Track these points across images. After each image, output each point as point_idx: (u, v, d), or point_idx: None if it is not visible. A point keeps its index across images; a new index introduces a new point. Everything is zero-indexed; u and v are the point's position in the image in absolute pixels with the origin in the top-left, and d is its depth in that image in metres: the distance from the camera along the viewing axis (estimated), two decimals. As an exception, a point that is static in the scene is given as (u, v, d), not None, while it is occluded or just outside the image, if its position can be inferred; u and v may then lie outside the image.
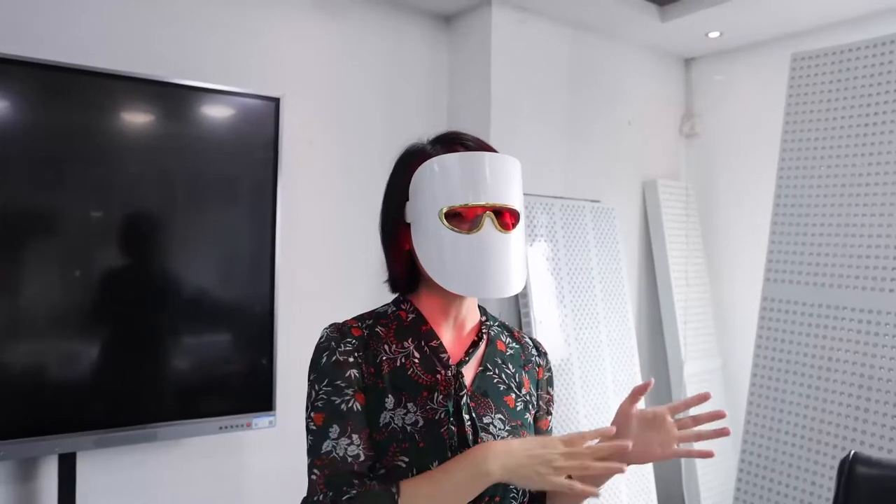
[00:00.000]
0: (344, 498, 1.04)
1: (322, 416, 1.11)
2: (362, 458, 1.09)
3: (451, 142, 1.19)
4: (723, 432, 1.14)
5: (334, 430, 1.10)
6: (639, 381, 3.32)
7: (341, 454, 1.08)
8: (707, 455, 1.14)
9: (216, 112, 2.36)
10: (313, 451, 1.10)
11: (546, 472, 1.04)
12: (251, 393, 2.37)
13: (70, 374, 2.08)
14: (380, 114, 2.95)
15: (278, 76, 2.67)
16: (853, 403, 2.31)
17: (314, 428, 1.11)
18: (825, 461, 2.35)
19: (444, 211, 1.12)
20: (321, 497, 1.06)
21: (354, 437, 1.09)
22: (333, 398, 1.12)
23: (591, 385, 3.11)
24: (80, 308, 2.11)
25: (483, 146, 1.20)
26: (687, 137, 3.89)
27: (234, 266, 2.41)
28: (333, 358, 1.14)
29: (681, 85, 3.89)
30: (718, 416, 1.16)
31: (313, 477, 1.09)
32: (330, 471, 1.07)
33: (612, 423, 1.16)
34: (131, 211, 2.21)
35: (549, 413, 1.32)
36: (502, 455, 1.05)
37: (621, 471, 1.08)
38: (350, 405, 1.11)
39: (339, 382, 1.13)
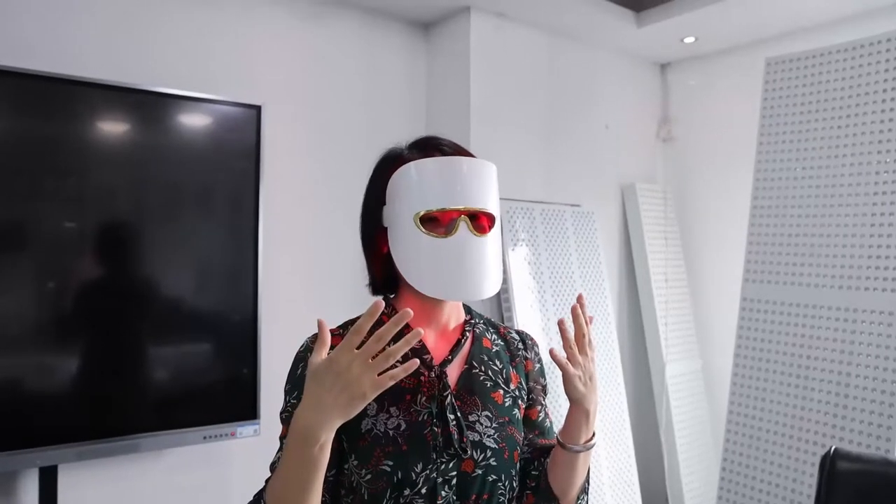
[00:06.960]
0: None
1: (284, 428, 1.14)
2: None
3: (428, 147, 1.20)
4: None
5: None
6: (621, 384, 3.35)
7: None
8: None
9: (197, 120, 2.34)
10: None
11: (359, 392, 0.95)
12: (235, 401, 2.35)
13: (51, 386, 2.05)
14: (360, 121, 2.95)
15: (257, 85, 2.65)
16: (833, 401, 2.35)
17: (280, 438, 1.16)
18: (806, 458, 2.38)
19: (420, 215, 1.12)
20: (252, 500, 1.09)
21: None
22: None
23: (574, 388, 3.11)
24: (62, 319, 2.08)
25: (460, 151, 1.20)
26: (664, 141, 3.93)
27: (217, 275, 2.39)
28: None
29: (657, 90, 3.93)
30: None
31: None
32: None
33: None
34: (113, 221, 2.19)
35: (539, 403, 1.32)
36: (311, 415, 0.96)
37: (419, 335, 0.98)
38: None
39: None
